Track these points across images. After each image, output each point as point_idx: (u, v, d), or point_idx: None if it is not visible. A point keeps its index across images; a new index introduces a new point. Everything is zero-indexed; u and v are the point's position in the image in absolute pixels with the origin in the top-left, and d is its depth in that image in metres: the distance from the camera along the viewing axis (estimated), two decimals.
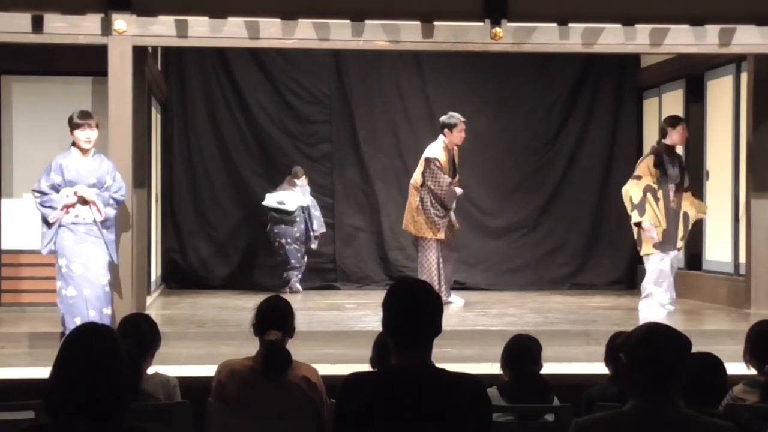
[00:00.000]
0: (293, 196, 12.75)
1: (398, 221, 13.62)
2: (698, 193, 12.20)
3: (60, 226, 8.39)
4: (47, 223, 8.40)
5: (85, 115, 8.60)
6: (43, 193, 8.43)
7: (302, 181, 12.93)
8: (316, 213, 12.94)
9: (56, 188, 8.42)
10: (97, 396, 3.19)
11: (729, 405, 4.69)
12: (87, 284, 8.34)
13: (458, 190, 11.20)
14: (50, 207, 8.39)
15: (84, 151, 8.51)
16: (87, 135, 8.50)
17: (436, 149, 11.16)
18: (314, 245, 12.89)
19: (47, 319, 9.74)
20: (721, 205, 11.65)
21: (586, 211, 13.79)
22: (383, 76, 13.66)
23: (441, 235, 11.12)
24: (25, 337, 8.74)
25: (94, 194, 8.43)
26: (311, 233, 12.89)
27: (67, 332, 7.97)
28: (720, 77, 11.79)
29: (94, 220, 8.44)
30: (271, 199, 12.79)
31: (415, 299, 3.62)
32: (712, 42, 9.44)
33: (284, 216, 12.74)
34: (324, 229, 12.97)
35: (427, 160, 11.14)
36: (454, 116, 11.14)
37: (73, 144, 8.57)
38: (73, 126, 8.52)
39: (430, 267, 11.17)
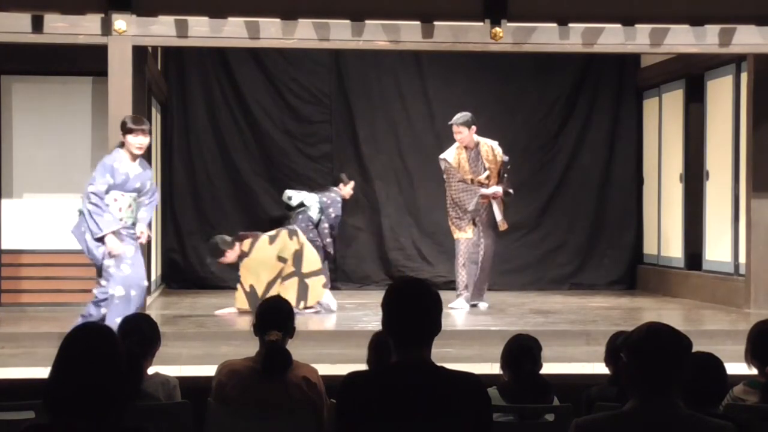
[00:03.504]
0: (305, 196, 12.83)
1: (398, 221, 13.64)
2: (698, 193, 12.24)
3: None
4: (94, 221, 8.34)
5: (139, 120, 8.63)
6: (100, 197, 8.36)
7: (339, 190, 12.94)
8: (327, 231, 12.96)
9: (108, 190, 8.41)
10: (97, 396, 3.19)
11: (729, 405, 4.69)
12: (134, 285, 8.41)
13: (486, 190, 10.89)
14: (98, 220, 8.33)
15: (133, 157, 8.53)
16: (140, 141, 8.52)
17: (449, 149, 11.09)
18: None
19: (47, 319, 9.75)
20: (721, 205, 11.65)
21: (586, 211, 13.79)
22: (383, 76, 13.66)
23: (463, 235, 10.89)
24: (25, 337, 8.73)
25: (146, 228, 8.58)
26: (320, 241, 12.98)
27: None
28: (720, 77, 11.79)
29: (134, 224, 8.51)
30: (285, 195, 12.92)
31: (414, 298, 3.62)
32: (712, 42, 9.44)
33: (288, 211, 12.82)
34: (330, 249, 13.03)
35: (439, 160, 11.15)
36: (457, 116, 11.04)
37: (121, 146, 8.56)
38: (126, 131, 8.52)
39: (456, 266, 11.09)
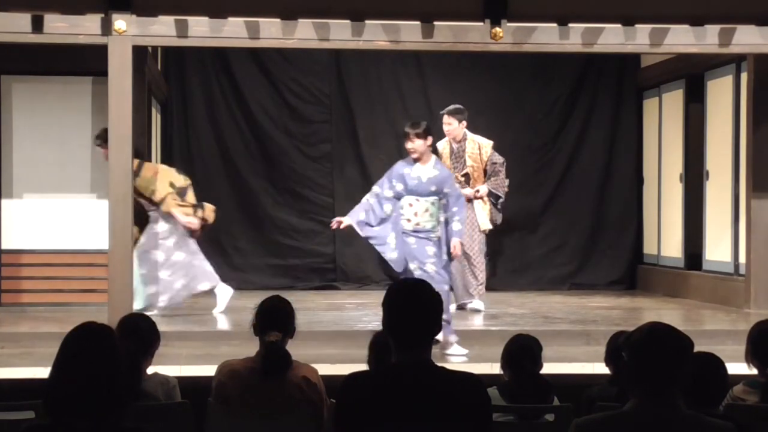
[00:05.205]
0: None
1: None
2: (698, 193, 12.25)
3: (402, 233, 8.35)
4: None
5: (412, 125, 8.56)
6: (373, 194, 8.38)
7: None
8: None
9: (399, 196, 8.35)
10: (96, 396, 3.19)
11: (729, 405, 4.69)
12: (444, 282, 8.26)
13: (463, 190, 10.51)
14: (371, 224, 8.34)
15: (423, 160, 8.41)
16: (408, 145, 8.44)
17: (439, 141, 10.98)
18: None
19: (47, 319, 9.75)
20: (721, 205, 11.65)
21: (586, 211, 13.79)
22: (383, 75, 13.66)
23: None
24: (25, 337, 8.73)
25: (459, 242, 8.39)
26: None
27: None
28: (720, 77, 11.79)
29: (433, 227, 8.36)
30: None
31: (415, 298, 3.62)
32: (712, 42, 9.43)
33: None
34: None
35: None
36: (449, 107, 10.96)
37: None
38: (403, 136, 8.54)
39: None
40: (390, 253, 8.36)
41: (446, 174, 8.52)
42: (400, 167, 8.44)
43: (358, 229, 8.45)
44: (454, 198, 8.44)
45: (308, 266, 13.47)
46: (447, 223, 8.37)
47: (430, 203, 8.36)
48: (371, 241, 8.49)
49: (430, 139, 8.50)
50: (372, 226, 8.40)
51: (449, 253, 8.38)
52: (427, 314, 3.61)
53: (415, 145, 8.38)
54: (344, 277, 13.57)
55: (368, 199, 8.45)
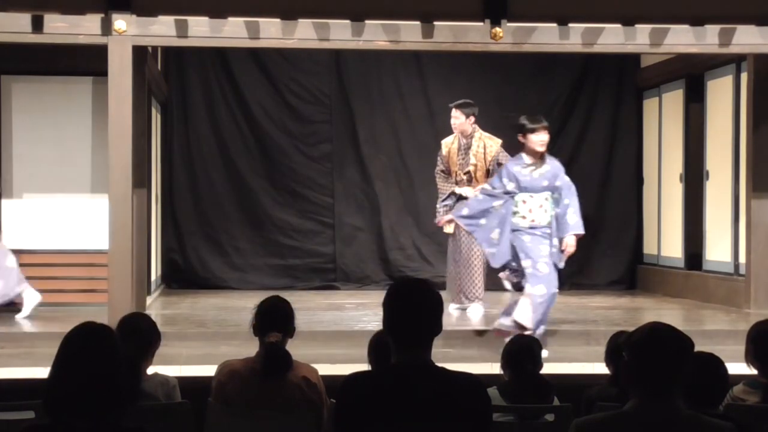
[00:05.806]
0: None
1: (398, 221, 13.63)
2: (698, 193, 12.24)
3: (515, 230, 8.41)
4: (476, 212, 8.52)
5: (536, 119, 8.62)
6: (484, 192, 8.58)
7: None
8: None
9: (511, 194, 8.42)
10: (96, 396, 3.19)
11: (729, 405, 4.69)
12: (553, 283, 8.33)
13: (459, 188, 10.62)
14: (472, 216, 8.49)
15: (535, 156, 8.48)
16: (541, 138, 8.49)
17: (450, 136, 10.96)
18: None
19: (47, 319, 9.75)
20: (721, 205, 11.65)
21: (586, 211, 13.73)
22: (383, 76, 13.66)
23: (446, 229, 10.62)
24: (25, 337, 8.73)
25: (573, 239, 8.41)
26: None
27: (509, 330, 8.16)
28: (720, 77, 11.79)
29: (549, 224, 8.42)
30: None
31: (415, 298, 3.62)
32: (712, 42, 9.44)
33: None
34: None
35: None
36: (459, 101, 10.95)
37: (523, 149, 8.61)
38: (527, 131, 8.56)
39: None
40: (490, 248, 8.49)
41: (556, 166, 8.58)
42: (511, 165, 8.57)
43: (460, 223, 8.62)
44: (566, 189, 8.48)
45: (308, 266, 13.47)
46: (557, 218, 8.42)
47: (543, 198, 8.45)
48: (474, 234, 8.60)
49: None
50: (475, 218, 8.49)
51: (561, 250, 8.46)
52: (427, 314, 3.60)
53: (547, 138, 8.53)
54: (344, 277, 13.56)
55: (476, 194, 8.58)
